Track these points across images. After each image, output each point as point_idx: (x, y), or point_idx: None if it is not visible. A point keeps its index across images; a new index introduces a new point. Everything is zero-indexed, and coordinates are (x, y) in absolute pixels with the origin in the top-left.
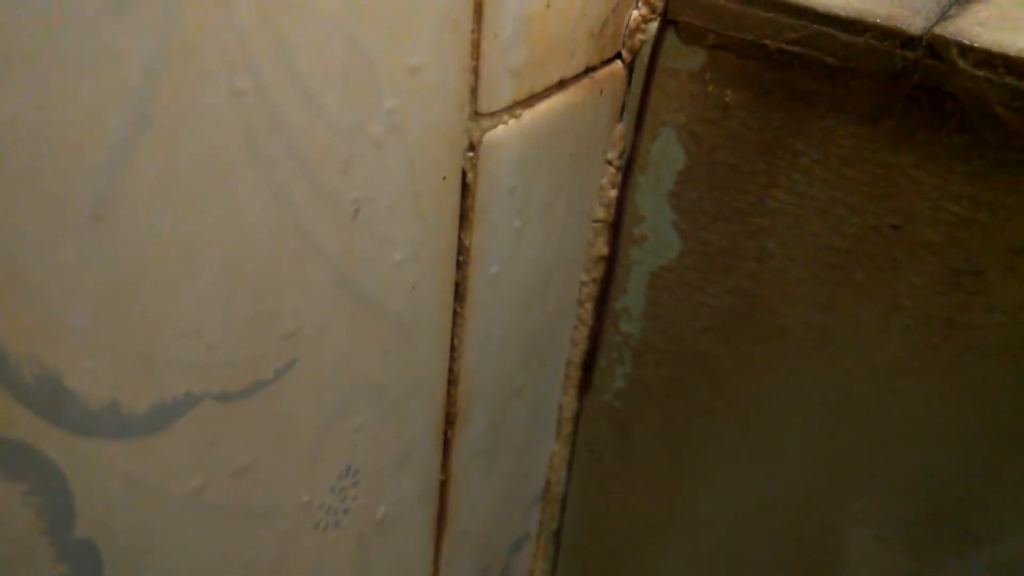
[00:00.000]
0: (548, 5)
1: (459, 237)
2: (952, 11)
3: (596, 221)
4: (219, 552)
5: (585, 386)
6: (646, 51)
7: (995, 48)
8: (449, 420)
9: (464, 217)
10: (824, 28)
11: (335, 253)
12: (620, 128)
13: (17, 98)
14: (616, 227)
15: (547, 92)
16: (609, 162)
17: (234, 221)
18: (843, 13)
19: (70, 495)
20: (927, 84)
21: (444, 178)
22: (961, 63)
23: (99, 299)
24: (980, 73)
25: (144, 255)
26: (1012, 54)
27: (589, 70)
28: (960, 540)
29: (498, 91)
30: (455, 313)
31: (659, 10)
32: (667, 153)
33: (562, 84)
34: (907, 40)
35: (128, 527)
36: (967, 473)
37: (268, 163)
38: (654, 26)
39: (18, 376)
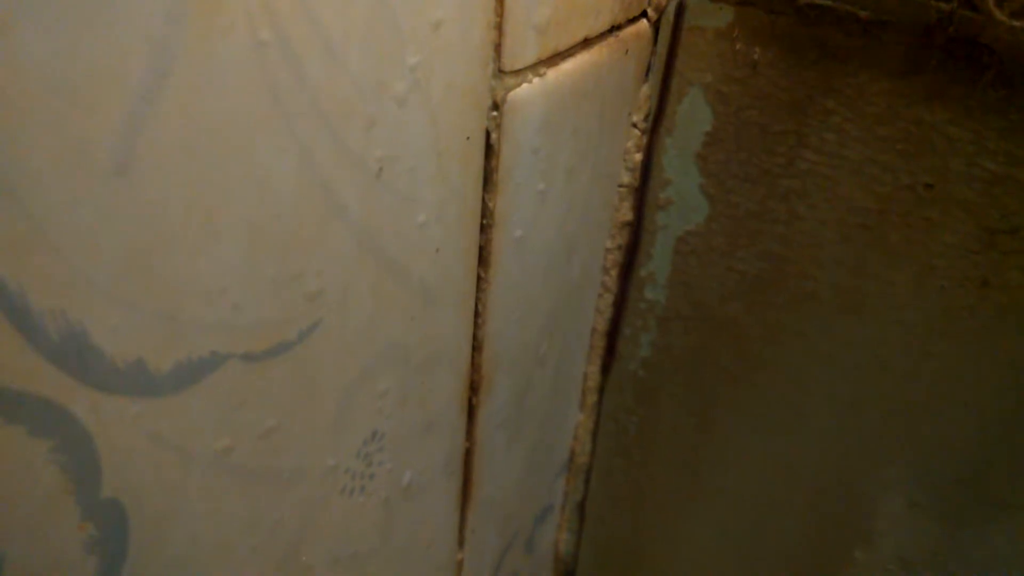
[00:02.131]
0: None
1: (483, 199)
2: None
3: (621, 186)
4: (245, 515)
5: (610, 355)
6: (672, 9)
7: None
8: (473, 387)
9: (488, 179)
10: None
11: (359, 213)
12: (646, 89)
13: (38, 46)
14: (642, 191)
15: (572, 51)
16: (634, 124)
17: (258, 177)
18: None
19: (96, 453)
20: (962, 36)
21: (468, 138)
22: (998, 13)
23: (123, 255)
24: (1018, 24)
25: (167, 211)
26: None
27: (614, 29)
28: (991, 505)
29: (522, 48)
30: (479, 277)
31: None
32: (694, 114)
33: (587, 43)
34: None
35: (155, 488)
36: (999, 438)
37: (292, 118)
38: None
39: (43, 332)
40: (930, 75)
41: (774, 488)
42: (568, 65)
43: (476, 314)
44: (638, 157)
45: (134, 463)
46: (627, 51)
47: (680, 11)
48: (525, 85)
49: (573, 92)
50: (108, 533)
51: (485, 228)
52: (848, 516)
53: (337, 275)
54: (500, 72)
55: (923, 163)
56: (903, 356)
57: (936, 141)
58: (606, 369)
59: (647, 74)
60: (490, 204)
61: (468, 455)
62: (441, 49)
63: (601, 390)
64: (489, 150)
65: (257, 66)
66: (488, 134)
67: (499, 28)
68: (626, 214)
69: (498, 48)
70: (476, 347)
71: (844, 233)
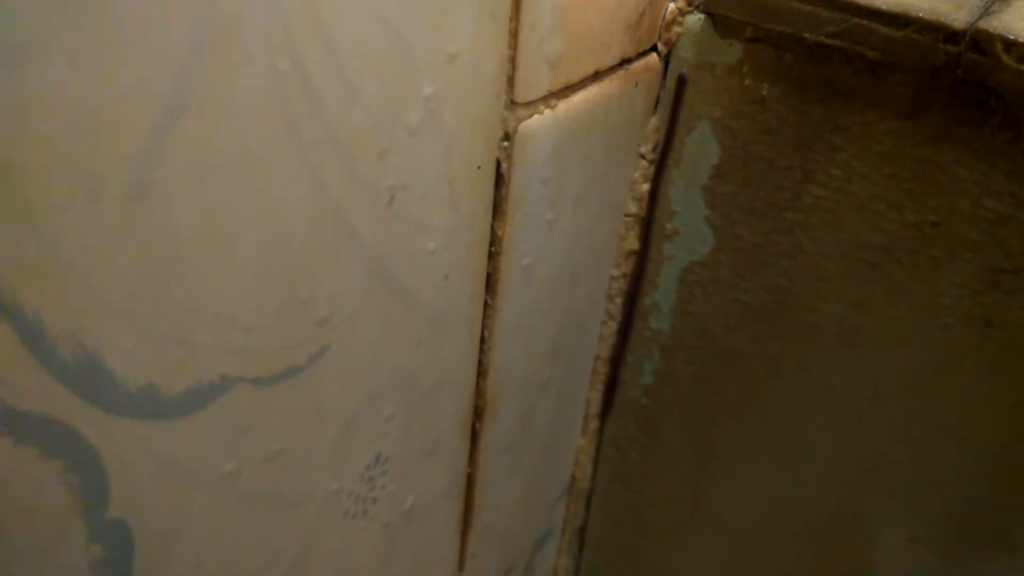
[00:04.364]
0: None
1: (492, 228)
2: (995, 6)
3: (628, 215)
4: (249, 537)
5: (613, 382)
6: (682, 44)
7: None
8: (477, 412)
9: (497, 208)
10: (865, 21)
11: (370, 241)
12: (654, 121)
13: (59, 73)
14: (648, 222)
15: (583, 83)
16: (642, 156)
17: (272, 205)
18: (885, 7)
19: (105, 475)
20: (969, 79)
21: (479, 167)
22: (1005, 58)
23: (137, 280)
24: None
25: (182, 237)
26: None
27: (625, 62)
28: (992, 544)
29: (535, 81)
30: (486, 304)
31: (696, 2)
32: (702, 147)
33: (598, 76)
34: (950, 34)
35: (160, 509)
36: (1000, 476)
37: (307, 148)
38: (691, 18)
39: (57, 355)
40: (937, 116)
41: (774, 519)
42: (579, 97)
43: (482, 340)
44: (645, 188)
45: (141, 485)
46: (637, 84)
47: (690, 46)
48: (536, 116)
49: (583, 123)
50: (114, 554)
51: (493, 256)
52: (847, 549)
53: (347, 301)
54: (512, 103)
55: (929, 202)
56: (905, 392)
57: (942, 181)
58: (609, 396)
59: (656, 106)
60: (499, 232)
61: (470, 480)
62: (455, 81)
63: (603, 416)
64: (499, 179)
65: (274, 96)
66: (499, 164)
67: (512, 61)
68: (632, 243)
69: (511, 80)
70: (481, 373)
71: (849, 268)
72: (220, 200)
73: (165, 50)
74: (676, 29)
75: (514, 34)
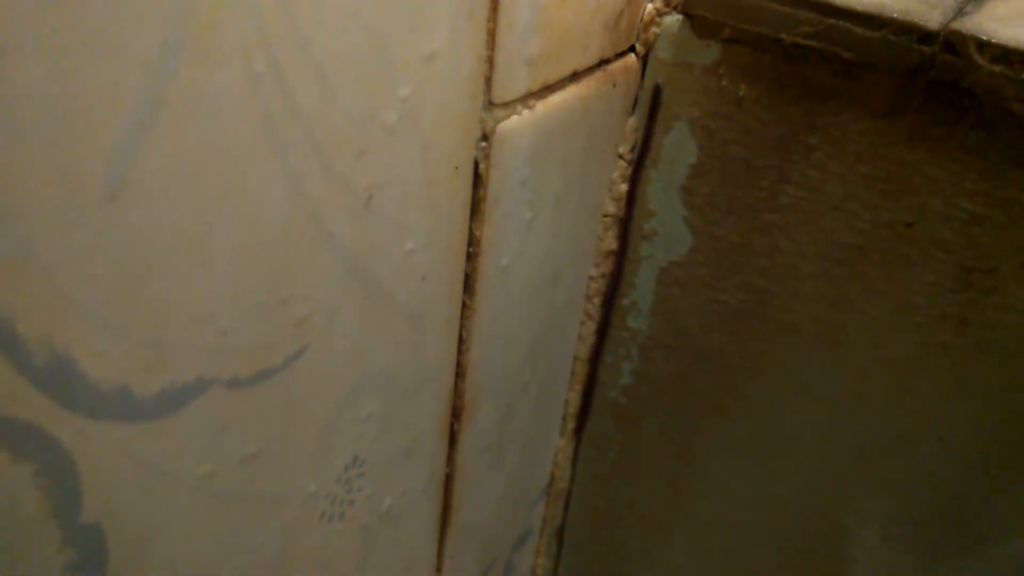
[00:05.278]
0: None
1: (470, 228)
2: (969, 7)
3: (606, 215)
4: (225, 540)
5: (591, 382)
6: (660, 44)
7: (1013, 44)
8: (456, 413)
9: (475, 208)
10: (841, 22)
11: (348, 240)
12: (632, 121)
13: (34, 73)
14: (626, 222)
15: (561, 84)
16: (620, 156)
17: (248, 205)
18: (861, 7)
19: (78, 478)
20: (943, 79)
21: (456, 168)
22: (978, 58)
23: (111, 281)
24: (997, 69)
25: (158, 238)
26: None
27: (603, 63)
28: (967, 540)
29: (512, 81)
30: (464, 305)
31: (674, 3)
32: (680, 147)
33: (576, 76)
34: (924, 35)
35: (135, 512)
36: (976, 472)
37: (284, 148)
38: (668, 19)
39: (29, 358)
40: (912, 116)
41: (752, 518)
42: (557, 98)
43: (460, 341)
44: (623, 188)
45: (116, 488)
46: (615, 84)
47: (668, 47)
48: (514, 117)
49: (561, 124)
50: (88, 557)
51: (471, 256)
52: (825, 548)
53: (324, 301)
54: (490, 104)
55: (903, 202)
56: (881, 390)
57: (916, 181)
58: (587, 396)
59: (634, 107)
60: (477, 233)
61: (448, 481)
62: (433, 81)
63: (582, 417)
64: (477, 180)
65: (251, 97)
66: (477, 164)
67: (490, 61)
68: (610, 243)
69: (489, 81)
70: (460, 373)
71: (825, 268)
72: (196, 200)
73: (141, 50)
74: (654, 29)
75: (492, 34)
